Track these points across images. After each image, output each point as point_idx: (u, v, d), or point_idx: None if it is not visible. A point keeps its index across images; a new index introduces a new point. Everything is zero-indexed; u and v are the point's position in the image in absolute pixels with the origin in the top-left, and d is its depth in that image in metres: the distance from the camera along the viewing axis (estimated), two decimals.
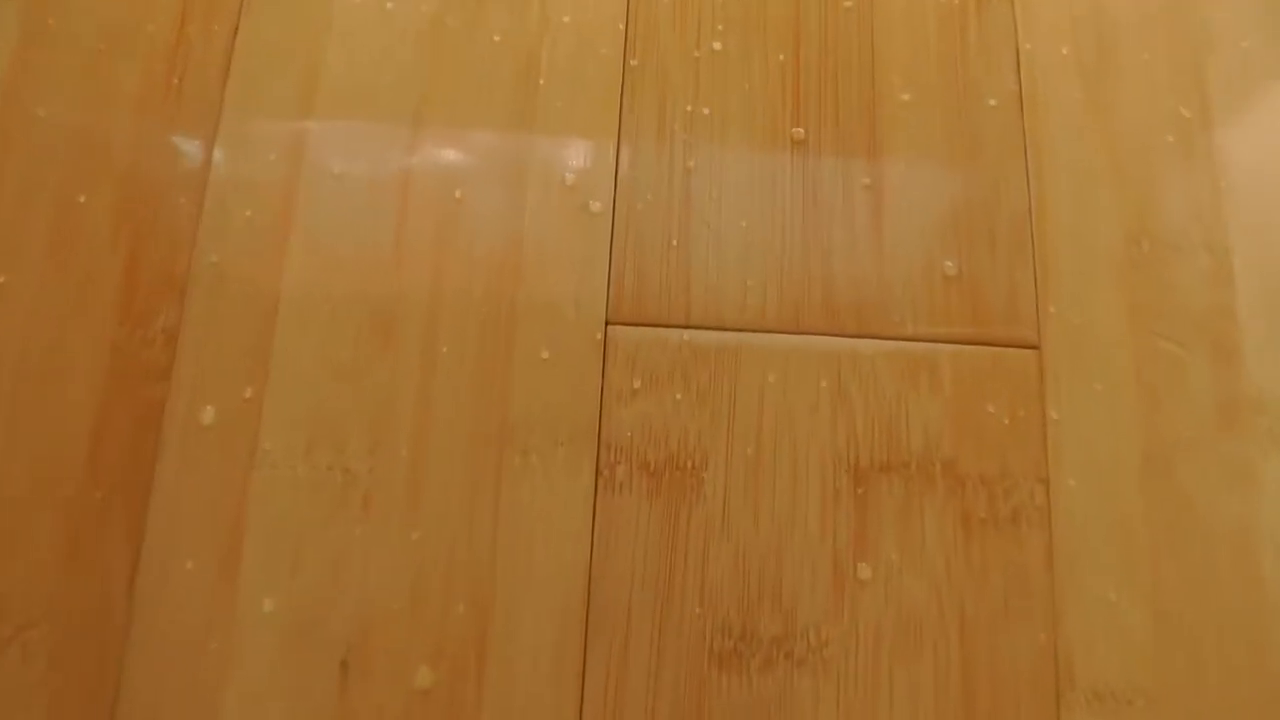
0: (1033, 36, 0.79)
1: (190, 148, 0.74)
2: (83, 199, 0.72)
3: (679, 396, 0.70)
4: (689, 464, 0.69)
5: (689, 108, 0.76)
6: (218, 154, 0.74)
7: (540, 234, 0.72)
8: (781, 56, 0.77)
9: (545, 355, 0.70)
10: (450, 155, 0.74)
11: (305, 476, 0.68)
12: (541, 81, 0.76)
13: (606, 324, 0.71)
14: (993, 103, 0.77)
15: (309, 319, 0.70)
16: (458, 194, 0.73)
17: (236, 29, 0.77)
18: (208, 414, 0.69)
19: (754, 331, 0.71)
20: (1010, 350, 0.71)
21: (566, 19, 0.78)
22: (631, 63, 0.77)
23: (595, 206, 0.73)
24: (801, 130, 0.75)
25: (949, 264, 0.73)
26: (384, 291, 0.71)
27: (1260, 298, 0.73)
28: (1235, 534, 0.69)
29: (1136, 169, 0.76)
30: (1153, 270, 0.74)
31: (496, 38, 0.78)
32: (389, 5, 0.78)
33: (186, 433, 0.68)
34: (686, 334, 0.71)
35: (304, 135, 0.74)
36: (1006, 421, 0.70)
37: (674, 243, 0.72)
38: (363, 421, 0.69)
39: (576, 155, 0.74)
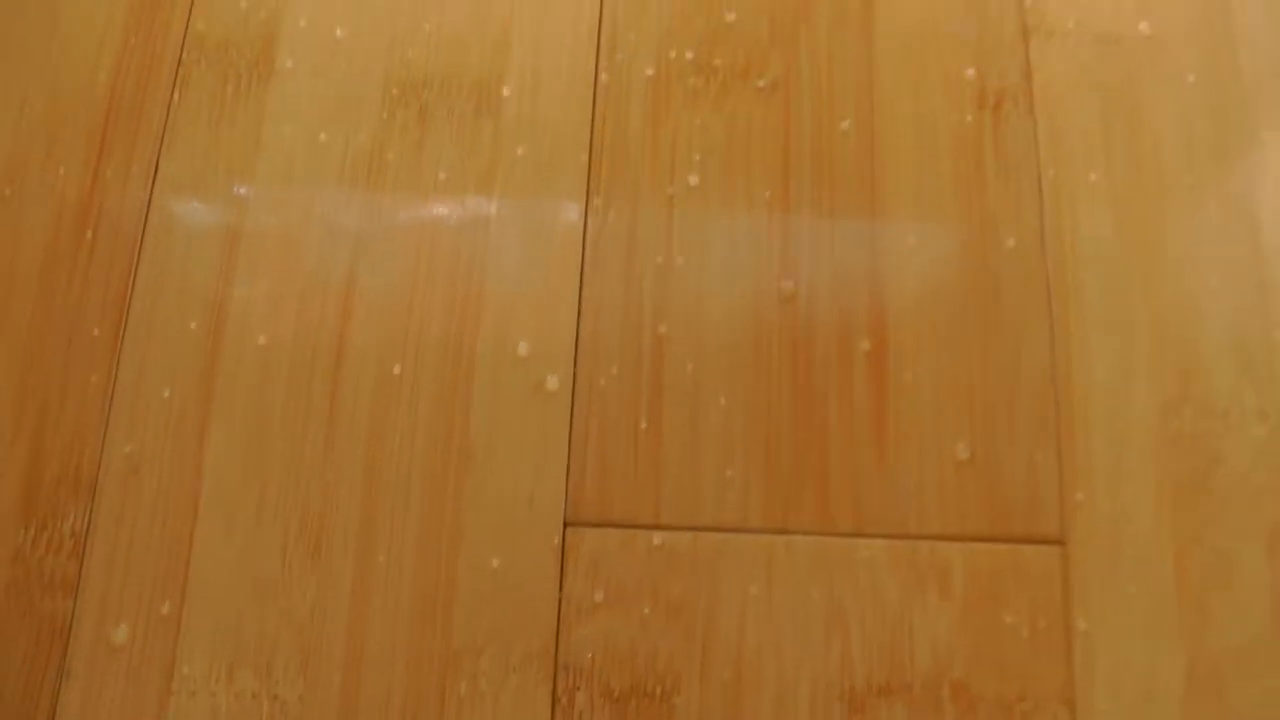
0: (1057, 159, 0.69)
1: (102, 316, 0.66)
2: None
3: (647, 611, 0.61)
4: (658, 690, 0.60)
5: (660, 259, 0.66)
6: (133, 322, 0.65)
7: (489, 416, 0.63)
8: (768, 193, 0.67)
9: (495, 563, 0.61)
10: (386, 321, 0.65)
11: (227, 705, 0.60)
12: (491, 229, 0.67)
13: (565, 525, 0.62)
14: (1011, 243, 0.67)
15: (233, 521, 0.62)
16: (396, 370, 0.64)
17: (156, 170, 0.68)
18: (120, 633, 0.61)
19: (734, 532, 0.62)
20: (1030, 547, 0.62)
21: (521, 151, 0.69)
22: (595, 201, 0.67)
23: (552, 383, 0.64)
24: (791, 283, 0.65)
25: (961, 447, 0.63)
26: (314, 489, 0.62)
27: None
28: None
29: (1178, 320, 0.66)
30: (1197, 444, 0.63)
31: (441, 175, 0.68)
32: (322, 137, 0.69)
33: (95, 654, 0.61)
34: (657, 536, 0.62)
35: (227, 302, 0.65)
36: (1026, 634, 0.61)
37: (643, 425, 0.63)
38: (291, 641, 0.61)
39: (531, 320, 0.65)
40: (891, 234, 0.67)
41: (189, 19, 0.73)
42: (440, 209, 0.67)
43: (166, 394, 0.64)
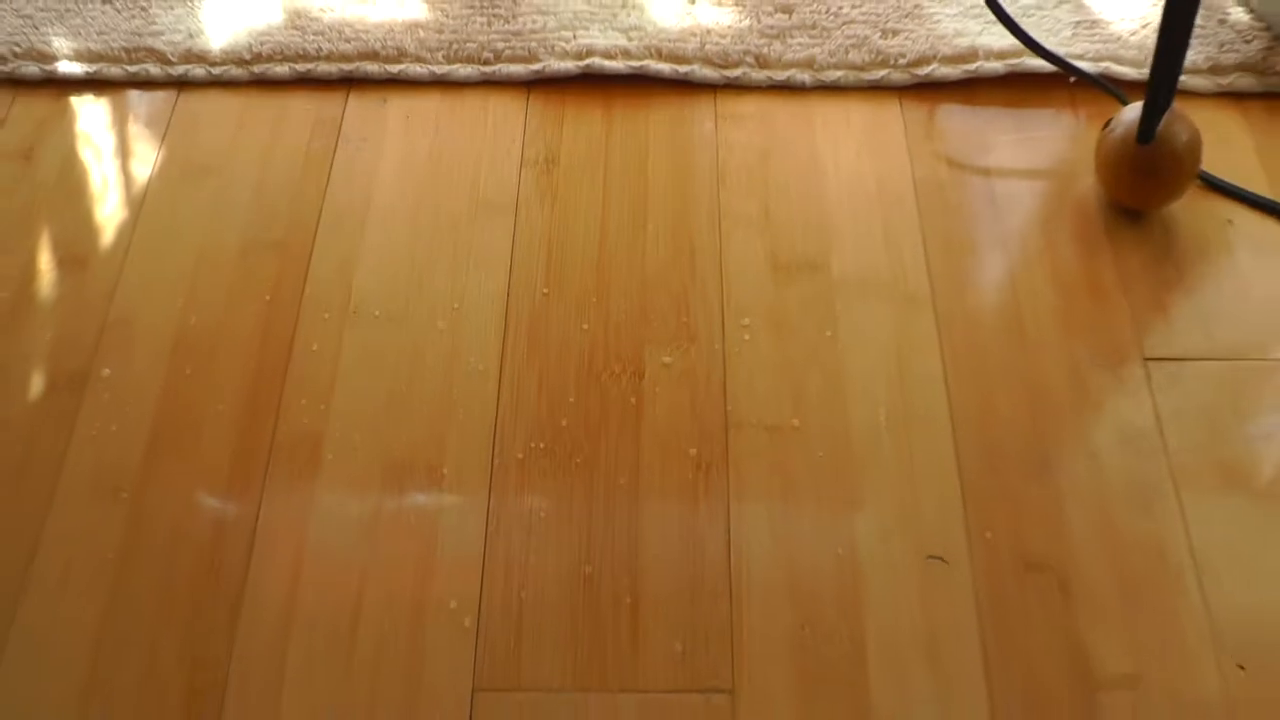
0: (741, 498, 1.33)
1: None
2: None
3: None
4: None
5: (522, 561, 1.29)
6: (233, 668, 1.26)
7: (434, 644, 1.24)
8: (579, 533, 1.31)
9: None
10: (388, 597, 1.27)
11: None
12: (440, 536, 1.30)
13: (474, 691, 1.21)
14: (711, 550, 1.30)
15: None
16: (387, 624, 1.26)
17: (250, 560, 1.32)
18: None
19: (573, 692, 1.22)
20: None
21: (452, 501, 1.33)
22: (490, 531, 1.31)
23: (467, 622, 1.25)
24: (590, 566, 1.28)
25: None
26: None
27: None
28: None
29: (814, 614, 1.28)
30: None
31: (412, 520, 1.32)
32: (351, 512, 1.33)
33: None
34: (517, 695, 1.21)
35: (286, 649, 1.27)
36: None
37: (512, 645, 1.24)
38: None
39: (457, 587, 1.27)
40: (647, 539, 1.31)
41: (275, 429, 1.39)
42: (414, 547, 1.30)
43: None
